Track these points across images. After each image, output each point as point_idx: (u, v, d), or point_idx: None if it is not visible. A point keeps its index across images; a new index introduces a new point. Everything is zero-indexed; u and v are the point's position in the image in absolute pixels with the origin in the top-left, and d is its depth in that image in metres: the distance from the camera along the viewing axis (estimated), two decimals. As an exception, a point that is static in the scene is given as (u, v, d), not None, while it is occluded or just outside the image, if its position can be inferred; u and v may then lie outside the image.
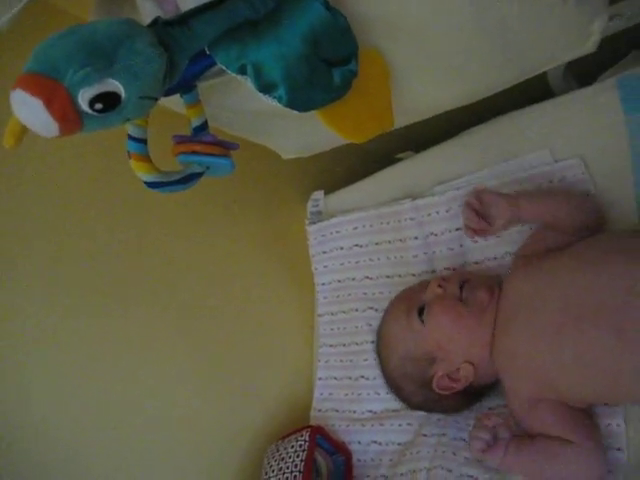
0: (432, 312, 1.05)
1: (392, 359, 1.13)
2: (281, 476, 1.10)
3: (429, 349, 1.05)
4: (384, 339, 1.18)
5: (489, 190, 1.05)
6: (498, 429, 0.96)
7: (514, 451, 0.92)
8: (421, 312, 1.06)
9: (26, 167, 0.97)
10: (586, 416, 0.92)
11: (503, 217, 1.02)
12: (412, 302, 1.11)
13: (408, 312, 1.09)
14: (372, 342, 1.26)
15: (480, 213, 1.04)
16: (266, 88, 0.69)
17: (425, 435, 1.12)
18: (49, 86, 0.56)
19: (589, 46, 0.85)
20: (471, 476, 0.99)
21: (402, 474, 1.10)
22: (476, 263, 1.17)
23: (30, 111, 0.56)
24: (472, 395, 1.10)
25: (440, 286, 1.06)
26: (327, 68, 0.70)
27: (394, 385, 1.17)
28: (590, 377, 0.88)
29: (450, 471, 1.02)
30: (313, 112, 0.76)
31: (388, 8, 0.73)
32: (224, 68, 0.70)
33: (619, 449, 0.90)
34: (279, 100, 0.70)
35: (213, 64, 0.72)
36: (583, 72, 1.19)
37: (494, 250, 1.14)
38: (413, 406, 1.17)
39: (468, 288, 1.05)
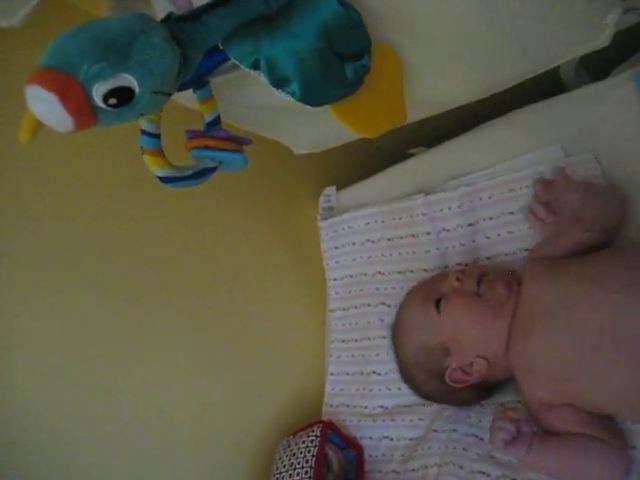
0: (449, 304, 1.05)
1: (407, 347, 1.14)
2: (292, 471, 1.10)
3: (443, 340, 1.05)
4: (400, 327, 1.18)
5: (561, 177, 1.03)
6: (521, 424, 0.93)
7: (538, 446, 0.90)
8: (438, 303, 1.07)
9: (32, 159, 0.98)
10: (606, 417, 0.91)
11: (571, 209, 0.99)
12: (430, 292, 1.11)
13: (425, 302, 1.10)
14: (384, 337, 1.26)
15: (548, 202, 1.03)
16: (279, 83, 0.69)
17: (436, 431, 1.12)
18: (64, 81, 0.56)
19: (602, 40, 0.84)
20: (483, 472, 0.98)
21: (413, 470, 1.10)
22: (488, 259, 1.17)
23: (45, 106, 0.56)
24: (484, 389, 1.10)
25: (458, 279, 1.06)
26: (340, 63, 0.70)
27: (407, 373, 1.17)
28: (608, 399, 0.88)
29: (461, 467, 1.01)
30: (326, 107, 0.76)
31: (400, 3, 0.73)
32: (237, 63, 0.70)
33: (634, 447, 0.89)
34: (292, 95, 0.70)
35: (226, 59, 0.72)
36: (596, 67, 1.19)
37: (507, 246, 1.14)
38: (423, 395, 1.17)
39: (487, 282, 1.05)
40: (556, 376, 0.92)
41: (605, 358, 0.84)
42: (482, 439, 1.05)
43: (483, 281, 1.05)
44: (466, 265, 1.19)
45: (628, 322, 0.83)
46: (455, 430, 1.09)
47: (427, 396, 1.16)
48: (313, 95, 0.71)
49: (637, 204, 0.99)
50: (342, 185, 1.44)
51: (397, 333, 1.20)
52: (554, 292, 0.94)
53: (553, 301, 0.93)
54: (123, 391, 1.05)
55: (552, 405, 0.93)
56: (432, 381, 1.10)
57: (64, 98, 0.55)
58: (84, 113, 0.58)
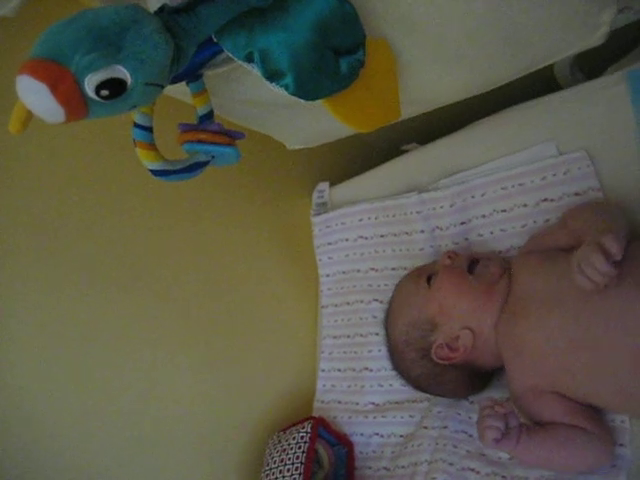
0: (439, 278, 1.08)
1: (397, 324, 1.15)
2: (282, 467, 1.10)
3: (431, 314, 1.07)
4: (392, 305, 1.20)
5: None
6: (508, 417, 0.91)
7: (526, 439, 0.89)
8: (429, 280, 1.10)
9: (26, 157, 0.97)
10: (593, 408, 0.92)
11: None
12: (422, 271, 1.14)
13: (418, 279, 1.13)
14: (377, 334, 1.27)
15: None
16: (273, 76, 0.68)
17: (426, 428, 1.12)
18: (55, 71, 0.55)
19: (597, 38, 0.84)
20: (472, 469, 0.99)
21: (403, 467, 1.10)
22: (481, 256, 1.17)
23: (35, 96, 0.55)
24: (472, 377, 1.10)
25: (450, 257, 1.09)
26: (334, 57, 0.70)
27: (396, 354, 1.17)
28: (598, 392, 0.89)
29: (451, 464, 1.02)
30: (319, 102, 0.75)
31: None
32: (231, 55, 0.69)
33: (622, 445, 0.90)
34: (286, 88, 0.69)
35: (220, 51, 0.72)
36: (590, 65, 1.19)
37: (500, 244, 1.14)
38: (412, 381, 1.17)
39: (480, 265, 1.07)
40: (546, 362, 0.92)
41: (604, 350, 0.84)
42: (472, 436, 1.06)
43: (475, 263, 1.08)
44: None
45: (621, 314, 0.83)
46: (445, 427, 1.10)
47: (415, 382, 1.17)
48: (307, 89, 0.70)
49: (630, 200, 0.99)
50: (335, 181, 1.44)
51: (389, 313, 1.21)
52: (546, 281, 0.95)
53: (545, 290, 0.94)
54: (113, 386, 1.05)
55: (540, 392, 0.94)
56: (420, 361, 1.11)
57: (55, 88, 0.55)
58: (75, 104, 0.57)
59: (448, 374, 1.09)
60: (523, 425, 0.92)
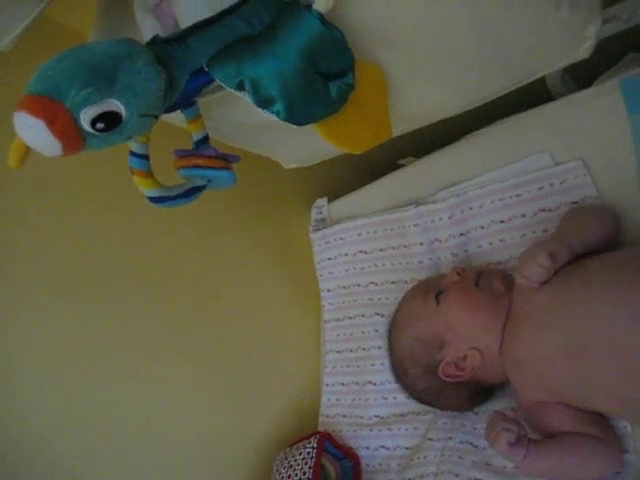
0: (448, 295, 1.07)
1: (403, 339, 1.15)
2: (290, 483, 1.11)
3: (439, 331, 1.06)
4: (398, 320, 1.19)
5: (546, 245, 0.93)
6: (519, 426, 0.89)
7: (536, 447, 0.87)
8: (438, 297, 1.09)
9: (24, 170, 0.98)
10: (597, 414, 0.92)
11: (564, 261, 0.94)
12: (430, 287, 1.13)
13: (425, 296, 1.12)
14: (379, 348, 1.27)
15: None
16: (264, 103, 0.70)
17: (431, 439, 1.12)
18: (51, 107, 0.57)
19: (585, 51, 0.85)
20: (478, 479, 0.99)
21: (410, 479, 1.10)
22: (481, 267, 1.17)
23: (33, 132, 0.57)
24: (476, 393, 1.11)
25: (459, 274, 1.08)
26: (324, 82, 0.71)
27: (400, 368, 1.17)
28: (595, 398, 0.88)
29: (457, 475, 1.02)
30: (311, 126, 0.76)
31: (383, 20, 0.74)
32: (222, 84, 0.71)
33: (626, 451, 0.90)
34: (277, 115, 0.70)
35: (212, 80, 0.73)
36: (582, 74, 1.19)
37: (499, 254, 1.14)
38: (415, 395, 1.17)
39: (485, 278, 1.07)
40: (544, 374, 0.92)
41: (592, 355, 0.84)
42: (477, 446, 1.05)
43: (481, 277, 1.07)
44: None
45: (614, 319, 0.83)
46: (451, 438, 1.10)
47: (419, 396, 1.17)
48: (298, 115, 0.71)
49: (628, 209, 0.99)
50: (333, 197, 1.45)
51: (394, 326, 1.21)
52: (543, 293, 0.94)
53: (542, 302, 0.94)
54: (116, 402, 1.06)
55: (545, 404, 0.94)
56: (425, 377, 1.11)
57: (51, 124, 0.56)
58: (72, 138, 0.59)
59: (453, 390, 1.09)
60: (531, 439, 0.90)
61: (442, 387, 1.09)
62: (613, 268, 0.88)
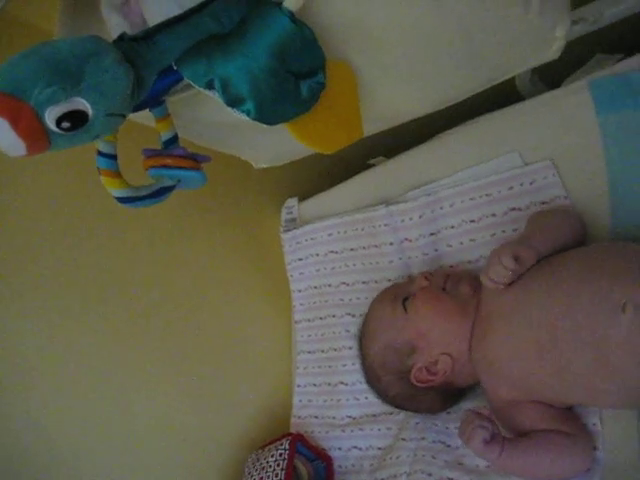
0: (416, 300, 1.07)
1: (373, 347, 1.14)
2: (262, 485, 1.10)
3: (410, 337, 1.06)
4: (367, 328, 1.19)
5: (511, 248, 0.94)
6: (493, 425, 0.90)
7: (510, 446, 0.88)
8: (405, 302, 1.09)
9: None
10: (569, 411, 0.93)
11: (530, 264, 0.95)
12: (398, 293, 1.13)
13: (393, 302, 1.12)
14: (350, 348, 1.27)
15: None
16: (234, 102, 0.69)
17: (404, 439, 1.13)
18: (15, 106, 0.55)
19: (553, 52, 0.85)
20: (451, 479, 0.99)
21: (383, 479, 1.10)
22: (451, 267, 1.18)
23: (-3, 131, 0.55)
24: (448, 396, 1.11)
25: (427, 279, 1.09)
26: (294, 81, 0.70)
27: (372, 375, 1.17)
28: (568, 390, 0.89)
29: (430, 475, 1.02)
30: (282, 125, 0.76)
31: (354, 20, 0.74)
32: (192, 83, 0.70)
33: (595, 448, 0.91)
34: (247, 114, 0.70)
35: (181, 79, 0.72)
36: (550, 74, 1.20)
37: (469, 254, 1.15)
38: (388, 400, 1.17)
39: (451, 282, 1.07)
40: (517, 373, 0.93)
41: (563, 348, 0.85)
42: (450, 446, 1.06)
43: (448, 281, 1.08)
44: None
45: (581, 310, 0.84)
46: (423, 438, 1.10)
47: (392, 401, 1.17)
48: (268, 114, 0.71)
49: (597, 208, 1.00)
50: (304, 196, 1.44)
51: (364, 334, 1.20)
52: (510, 293, 0.95)
53: (510, 301, 0.94)
54: (87, 403, 1.05)
55: (516, 403, 0.94)
56: (397, 383, 1.11)
57: (15, 123, 0.55)
58: (36, 137, 0.57)
59: (425, 394, 1.09)
60: (505, 437, 0.90)
61: (415, 392, 1.09)
62: (578, 260, 0.90)
